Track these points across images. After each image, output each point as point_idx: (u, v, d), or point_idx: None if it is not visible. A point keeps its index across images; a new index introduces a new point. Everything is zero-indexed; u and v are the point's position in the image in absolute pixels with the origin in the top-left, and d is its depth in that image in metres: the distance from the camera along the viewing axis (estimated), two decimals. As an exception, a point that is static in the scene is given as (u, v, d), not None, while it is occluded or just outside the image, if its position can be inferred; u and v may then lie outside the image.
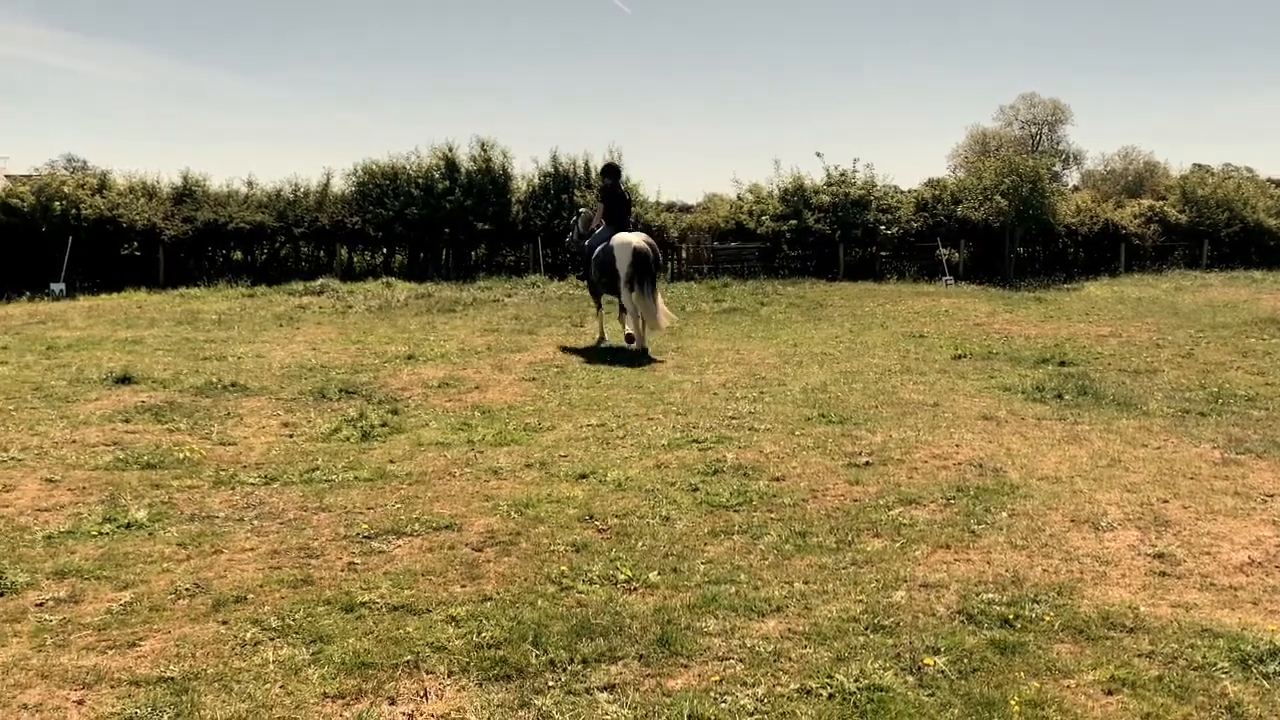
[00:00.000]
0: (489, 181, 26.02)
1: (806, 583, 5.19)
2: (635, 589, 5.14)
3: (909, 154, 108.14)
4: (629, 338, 13.47)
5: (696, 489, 6.80)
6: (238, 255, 25.43)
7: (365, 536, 5.91)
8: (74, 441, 8.18)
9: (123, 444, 8.12)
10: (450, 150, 26.35)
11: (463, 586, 5.19)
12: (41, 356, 12.71)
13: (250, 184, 26.50)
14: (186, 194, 25.53)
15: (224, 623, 4.71)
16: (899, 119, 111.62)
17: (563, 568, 5.39)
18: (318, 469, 7.39)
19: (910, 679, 4.16)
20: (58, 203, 22.83)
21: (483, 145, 26.50)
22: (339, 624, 4.70)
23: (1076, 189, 45.14)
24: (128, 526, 6.05)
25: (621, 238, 13.37)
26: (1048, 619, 4.72)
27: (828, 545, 5.74)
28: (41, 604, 4.87)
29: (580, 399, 9.98)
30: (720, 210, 27.53)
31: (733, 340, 14.42)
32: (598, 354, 13.16)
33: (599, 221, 14.26)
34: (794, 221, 25.93)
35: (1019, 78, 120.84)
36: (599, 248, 13.68)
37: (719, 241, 26.30)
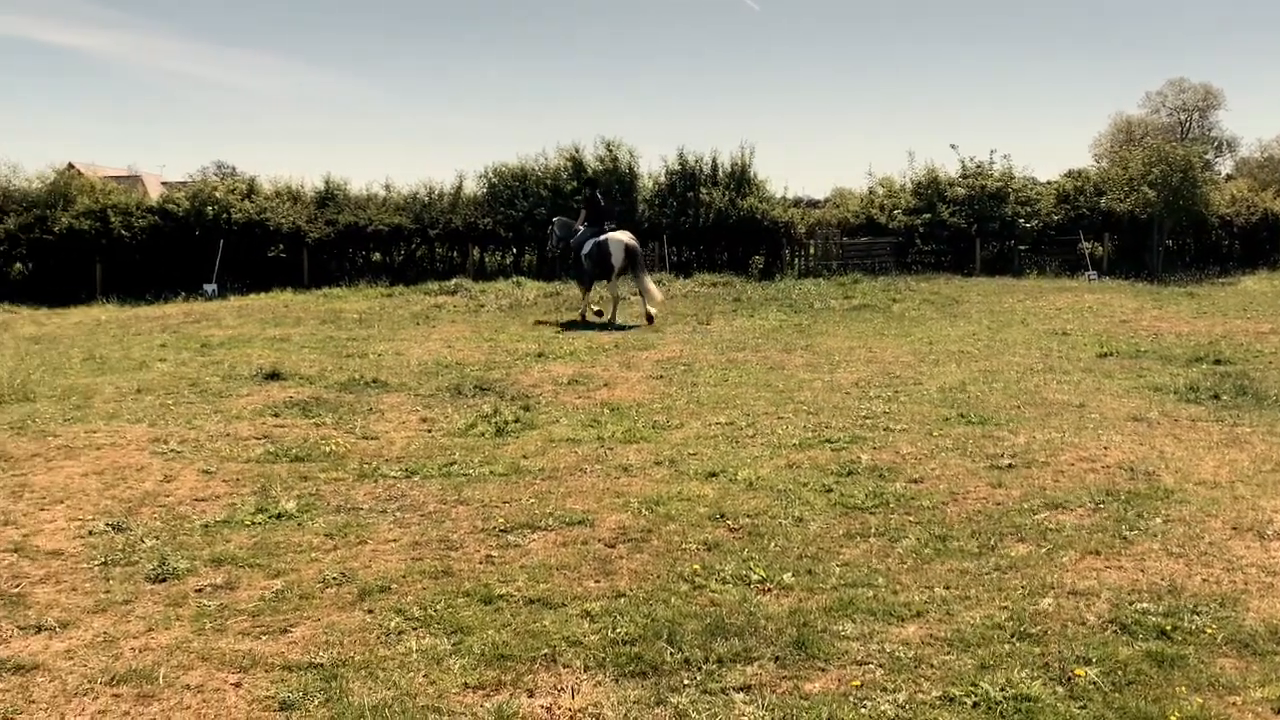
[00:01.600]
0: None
1: (948, 588, 5.04)
2: (769, 590, 5.09)
3: (1048, 144, 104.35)
4: (598, 313, 16.59)
5: (830, 490, 6.69)
6: (376, 256, 26.33)
7: (501, 530, 6.02)
8: (228, 435, 8.60)
9: (272, 438, 8.49)
10: (577, 151, 26.69)
11: (596, 582, 5.23)
12: (196, 354, 13.42)
13: (388, 187, 27.45)
14: (329, 198, 26.58)
15: (369, 611, 4.86)
16: (1038, 108, 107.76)
17: (695, 566, 5.38)
18: (455, 463, 7.57)
19: (1060, 690, 3.99)
20: (210, 207, 24.10)
21: (608, 145, 26.74)
22: (478, 615, 4.79)
23: (1230, 178, 42.61)
24: (278, 517, 6.32)
25: (615, 236, 16.28)
26: (1209, 631, 4.46)
27: (969, 550, 5.56)
28: (200, 590, 5.13)
29: (708, 397, 9.95)
30: (850, 204, 27.11)
31: (864, 338, 14.15)
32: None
33: (581, 224, 17.14)
34: (927, 215, 25.32)
35: (1166, 62, 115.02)
36: (590, 244, 16.39)
37: (848, 237, 25.87)
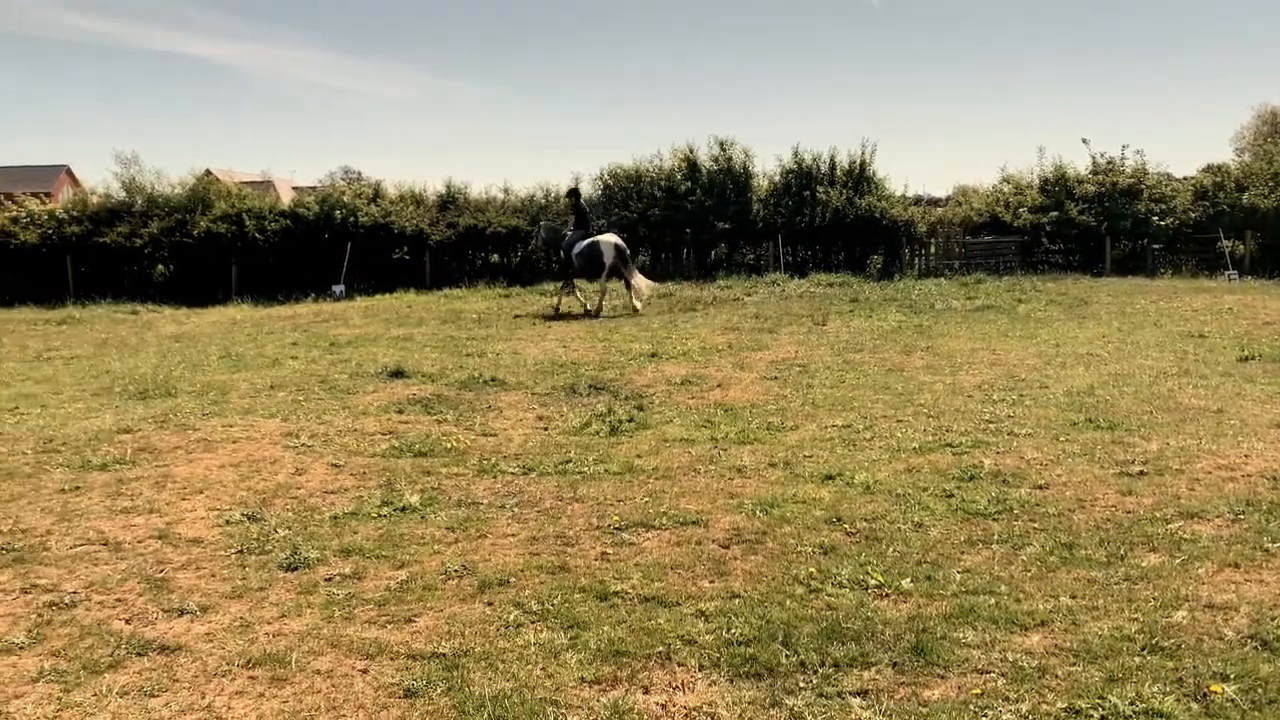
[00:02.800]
0: (729, 180, 26.17)
1: (1074, 597, 4.88)
2: (887, 595, 5.01)
3: (1183, 139, 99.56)
4: (585, 306, 18.62)
5: (951, 495, 6.54)
6: (494, 257, 26.89)
7: (616, 528, 6.09)
8: (355, 430, 8.91)
9: (397, 433, 8.76)
10: (691, 151, 26.72)
11: (711, 582, 5.24)
12: (325, 352, 13.94)
13: (506, 190, 28.01)
14: (450, 201, 27.27)
15: (489, 604, 4.97)
16: (1173, 102, 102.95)
17: (811, 569, 5.33)
18: (570, 461, 7.68)
19: (1194, 706, 3.82)
20: (338, 211, 25.02)
21: (722, 145, 26.70)
22: (594, 611, 4.86)
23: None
24: (402, 510, 6.52)
25: (606, 238, 18.66)
26: (1363, 653, 4.20)
27: (1097, 559, 5.37)
28: (330, 579, 5.34)
29: (824, 399, 9.84)
30: (973, 202, 26.41)
31: (988, 339, 13.77)
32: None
33: (568, 229, 19.39)
34: (1055, 213, 24.48)
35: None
36: (582, 245, 18.47)
37: (971, 236, 25.22)
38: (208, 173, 31.52)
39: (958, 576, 5.21)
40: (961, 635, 4.49)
